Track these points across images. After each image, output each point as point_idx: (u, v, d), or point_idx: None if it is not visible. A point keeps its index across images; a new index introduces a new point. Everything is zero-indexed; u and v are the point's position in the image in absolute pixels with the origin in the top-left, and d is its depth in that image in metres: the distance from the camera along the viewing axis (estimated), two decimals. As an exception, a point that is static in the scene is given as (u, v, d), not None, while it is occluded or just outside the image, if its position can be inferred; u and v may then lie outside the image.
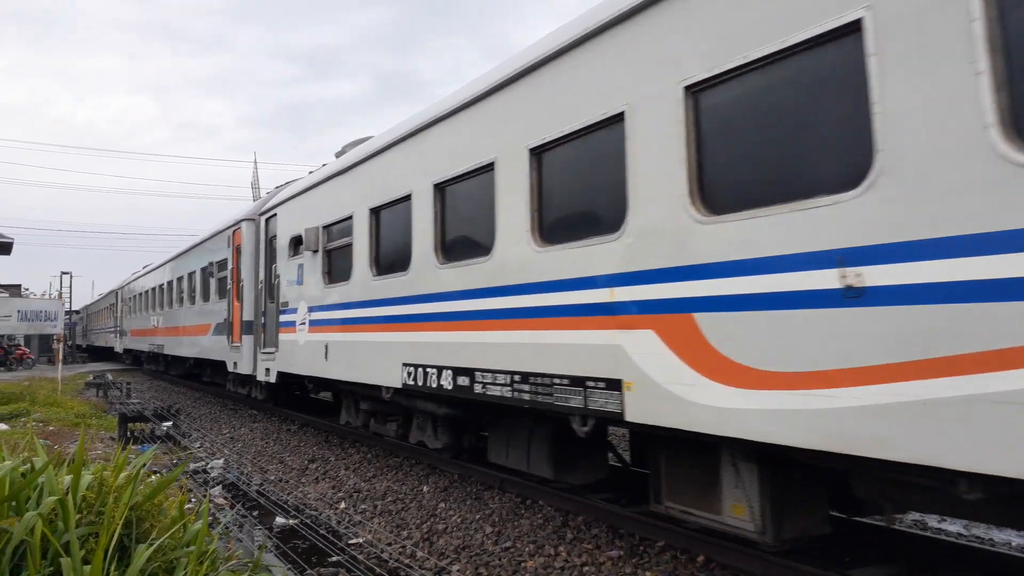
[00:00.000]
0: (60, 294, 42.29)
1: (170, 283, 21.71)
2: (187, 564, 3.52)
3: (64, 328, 24.35)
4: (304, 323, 11.00)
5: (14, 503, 3.46)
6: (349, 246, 9.60)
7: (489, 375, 6.48)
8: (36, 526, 3.23)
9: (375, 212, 8.95)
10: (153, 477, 4.66)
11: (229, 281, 14.79)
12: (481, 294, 6.58)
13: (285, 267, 12.02)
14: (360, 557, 6.26)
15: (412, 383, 7.74)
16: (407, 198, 8.09)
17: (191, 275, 18.77)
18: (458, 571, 5.79)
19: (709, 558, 5.49)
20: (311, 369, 10.77)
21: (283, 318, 12.01)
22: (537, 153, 6.06)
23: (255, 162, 63.94)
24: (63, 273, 53.97)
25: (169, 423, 13.96)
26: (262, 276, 13.39)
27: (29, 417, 13.72)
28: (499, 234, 6.45)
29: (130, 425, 13.08)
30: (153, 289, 24.80)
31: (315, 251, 10.68)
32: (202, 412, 16.96)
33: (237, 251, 14.36)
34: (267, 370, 12.78)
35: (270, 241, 13.06)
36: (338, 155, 11.26)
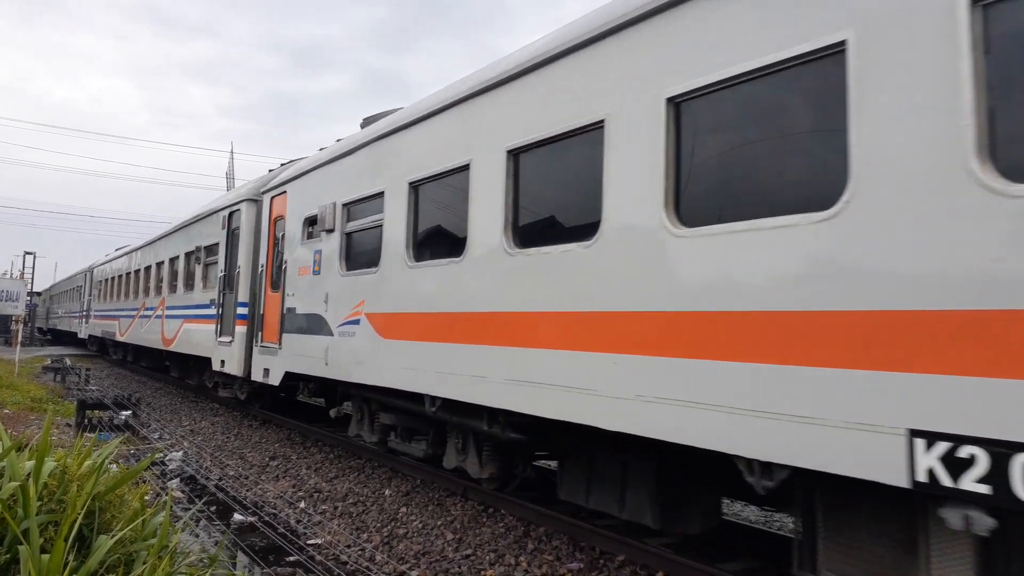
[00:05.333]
0: (23, 274, 41.44)
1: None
2: (147, 558, 3.48)
3: (24, 309, 23.84)
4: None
5: (-27, 487, 3.40)
6: None
7: None
8: (-6, 511, 3.18)
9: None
10: (115, 466, 4.61)
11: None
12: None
13: None
14: (318, 558, 6.22)
15: None
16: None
17: None
18: (417, 576, 5.78)
19: (668, 574, 5.54)
20: None
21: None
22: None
23: (231, 152, 63.31)
24: (27, 253, 52.77)
25: (128, 412, 13.73)
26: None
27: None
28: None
29: (88, 412, 12.86)
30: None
31: None
32: (162, 403, 16.72)
33: None
34: None
35: None
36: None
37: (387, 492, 8.25)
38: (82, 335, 34.27)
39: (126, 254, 24.33)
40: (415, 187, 7.57)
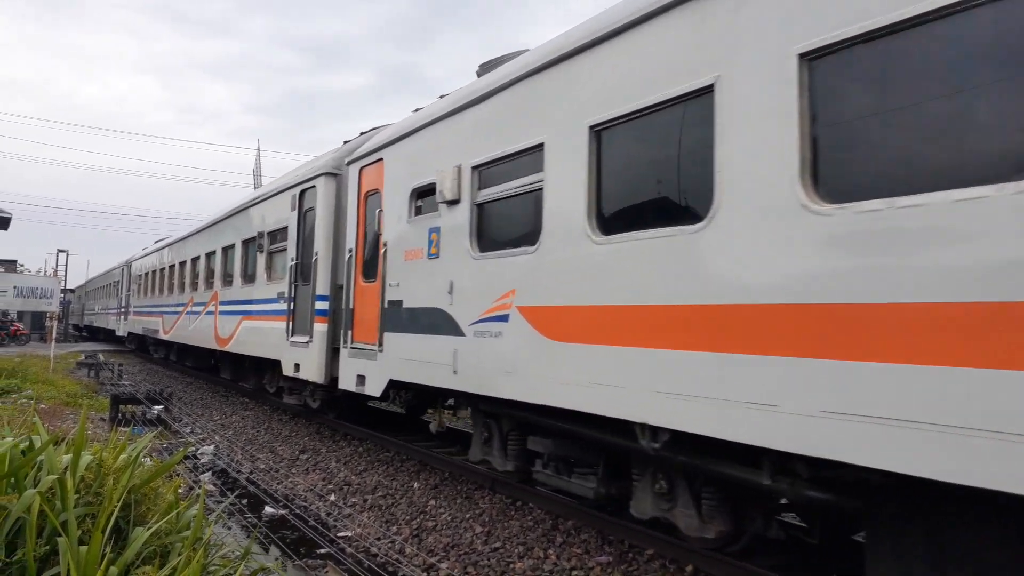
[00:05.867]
0: (56, 272, 42.15)
1: None
2: (182, 549, 3.53)
3: (58, 306, 24.28)
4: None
5: (13, 480, 3.46)
6: None
7: None
8: (34, 504, 3.24)
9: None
10: (148, 460, 4.67)
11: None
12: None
13: None
14: (349, 550, 6.28)
15: None
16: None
17: None
18: (447, 569, 5.81)
19: (697, 568, 5.51)
20: None
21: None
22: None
23: (258, 149, 63.52)
24: (59, 251, 53.62)
25: (160, 407, 13.94)
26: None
27: (20, 394, 13.69)
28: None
29: (121, 407, 13.07)
30: None
31: None
32: (193, 397, 16.95)
33: None
34: None
35: None
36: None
37: (416, 485, 8.29)
38: (120, 332, 31.70)
39: (168, 245, 22.08)
40: (598, 132, 5.53)
